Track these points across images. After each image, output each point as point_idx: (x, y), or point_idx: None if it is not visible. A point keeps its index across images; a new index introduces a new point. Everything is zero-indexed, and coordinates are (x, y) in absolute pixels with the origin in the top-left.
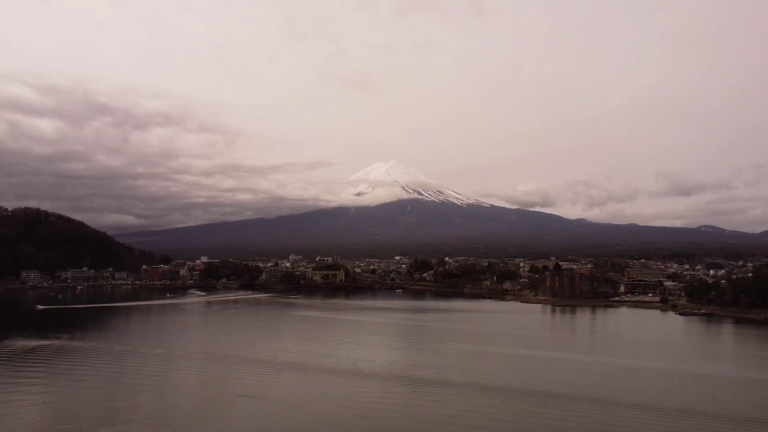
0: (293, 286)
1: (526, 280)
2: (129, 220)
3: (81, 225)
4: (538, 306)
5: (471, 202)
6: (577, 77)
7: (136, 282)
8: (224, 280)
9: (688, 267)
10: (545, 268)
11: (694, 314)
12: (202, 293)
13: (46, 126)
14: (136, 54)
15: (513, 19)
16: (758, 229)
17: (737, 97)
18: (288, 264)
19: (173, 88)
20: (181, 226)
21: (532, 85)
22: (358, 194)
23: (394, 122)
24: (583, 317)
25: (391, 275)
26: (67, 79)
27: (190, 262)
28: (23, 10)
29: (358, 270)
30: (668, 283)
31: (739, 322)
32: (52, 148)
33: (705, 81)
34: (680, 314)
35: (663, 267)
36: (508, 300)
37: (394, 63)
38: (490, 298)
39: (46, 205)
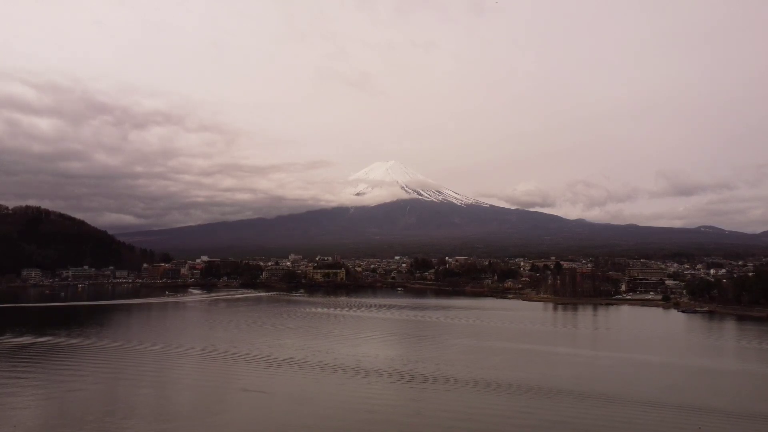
0: (295, 284)
1: (527, 279)
2: (128, 219)
3: (81, 224)
4: (540, 304)
5: (470, 202)
6: (576, 77)
7: (137, 280)
8: (225, 278)
9: (688, 266)
10: (546, 267)
11: (696, 312)
12: (201, 291)
13: (45, 125)
14: (135, 53)
15: (512, 19)
16: (758, 230)
17: (737, 96)
18: (288, 263)
19: (172, 87)
20: (180, 225)
21: (531, 84)
22: (358, 194)
23: (394, 122)
24: (586, 314)
25: (392, 274)
26: (66, 78)
27: (191, 261)
28: (22, 9)
29: (358, 269)
30: (669, 282)
31: (741, 319)
32: (52, 147)
33: (705, 80)
34: (682, 312)
35: (663, 266)
36: (509, 298)
37: (394, 62)
38: (492, 296)
39: (46, 204)
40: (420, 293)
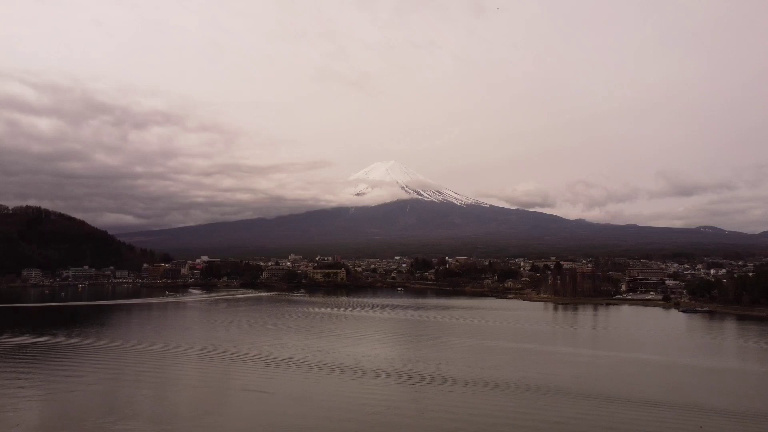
0: (295, 284)
1: (528, 279)
2: (128, 219)
3: (82, 224)
4: (540, 304)
5: (470, 202)
6: (576, 77)
7: (137, 280)
8: (225, 278)
9: (688, 267)
10: (546, 267)
11: (696, 311)
12: (201, 291)
13: (44, 125)
14: (134, 52)
15: (512, 19)
16: (758, 230)
17: (737, 96)
18: (288, 263)
19: (172, 87)
20: (180, 225)
21: (531, 84)
22: (358, 194)
23: (394, 122)
24: (586, 314)
25: (392, 274)
26: (65, 78)
27: (191, 261)
28: (21, 9)
29: (358, 269)
30: (670, 282)
31: (741, 318)
32: (51, 147)
33: (705, 80)
34: (683, 311)
35: (663, 266)
36: (510, 298)
37: (394, 62)
38: (492, 296)
39: (45, 204)
40: (420, 293)
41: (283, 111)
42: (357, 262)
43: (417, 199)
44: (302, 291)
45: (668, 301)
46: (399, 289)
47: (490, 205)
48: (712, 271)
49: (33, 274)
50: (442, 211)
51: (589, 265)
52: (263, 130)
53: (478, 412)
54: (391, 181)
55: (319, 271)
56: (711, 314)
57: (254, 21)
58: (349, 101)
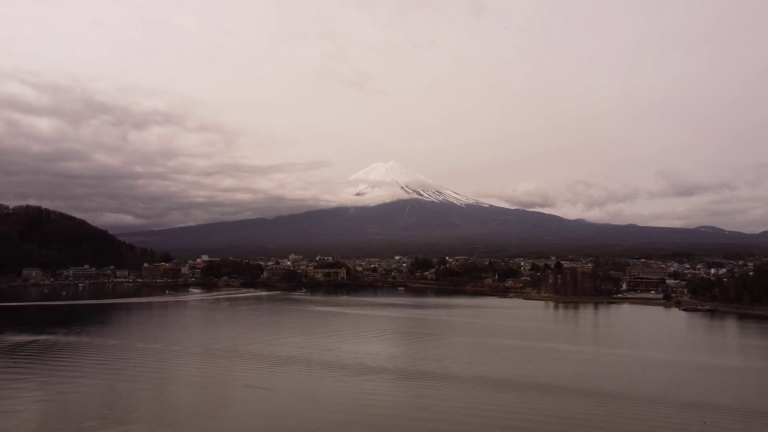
0: (295, 283)
1: (528, 278)
2: (128, 219)
3: (82, 223)
4: (541, 303)
5: (470, 202)
6: (576, 77)
7: (138, 280)
8: (226, 278)
9: (689, 266)
10: (547, 266)
11: (697, 310)
12: (202, 291)
13: (44, 125)
14: (134, 52)
15: (512, 19)
16: (758, 230)
17: (737, 96)
18: (289, 263)
19: (172, 87)
20: (180, 225)
21: (531, 84)
22: (358, 194)
23: (394, 122)
24: (587, 313)
25: (393, 273)
26: (65, 78)
27: (191, 261)
28: (21, 9)
29: (359, 269)
30: (670, 281)
31: (742, 317)
32: (51, 147)
33: (705, 80)
34: (684, 310)
35: (664, 266)
36: (510, 297)
37: (394, 62)
38: (492, 295)
39: (46, 204)
40: (421, 292)
41: (284, 111)
42: (357, 261)
43: (417, 199)
44: (303, 290)
45: (669, 299)
46: (399, 288)
47: (490, 205)
48: (713, 271)
49: (33, 274)
50: (442, 211)
51: (590, 264)
52: (263, 130)
53: (481, 409)
54: (391, 181)
55: (319, 270)
56: (712, 313)
57: (254, 21)
58: (349, 101)
